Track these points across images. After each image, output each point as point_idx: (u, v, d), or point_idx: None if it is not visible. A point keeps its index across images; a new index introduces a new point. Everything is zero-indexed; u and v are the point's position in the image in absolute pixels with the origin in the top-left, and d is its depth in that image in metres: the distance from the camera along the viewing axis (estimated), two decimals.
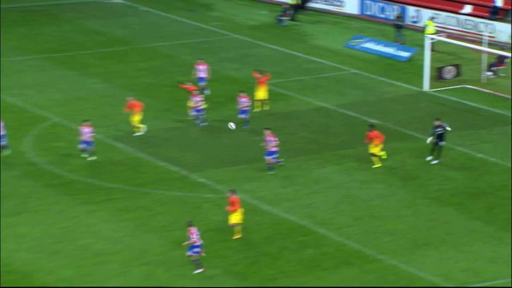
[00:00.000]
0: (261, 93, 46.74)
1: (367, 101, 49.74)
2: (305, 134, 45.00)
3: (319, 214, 36.16)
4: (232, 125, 43.14)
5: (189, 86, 45.49)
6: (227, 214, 34.61)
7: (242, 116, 44.39)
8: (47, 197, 37.09)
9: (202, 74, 48.59)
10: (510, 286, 29.94)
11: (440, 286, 30.29)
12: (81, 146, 40.07)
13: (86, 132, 39.83)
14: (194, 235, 30.52)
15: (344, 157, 41.24)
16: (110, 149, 42.25)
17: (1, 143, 39.99)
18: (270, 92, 48.19)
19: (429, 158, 40.59)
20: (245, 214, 33.84)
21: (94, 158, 40.43)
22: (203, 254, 30.72)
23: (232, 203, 33.22)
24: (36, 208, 36.10)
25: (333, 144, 43.49)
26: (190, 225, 30.82)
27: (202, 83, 48.25)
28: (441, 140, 40.21)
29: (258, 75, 47.19)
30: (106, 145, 42.56)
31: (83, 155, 40.17)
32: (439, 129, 40.16)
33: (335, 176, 39.95)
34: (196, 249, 30.50)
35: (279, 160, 39.36)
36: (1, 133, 39.86)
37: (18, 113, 44.13)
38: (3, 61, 54.72)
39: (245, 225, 34.19)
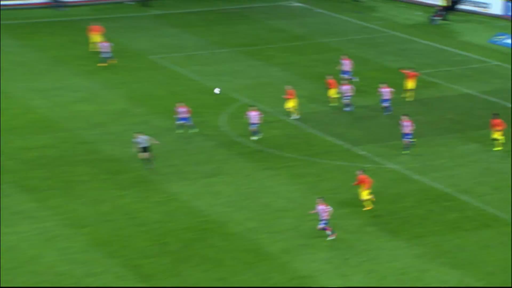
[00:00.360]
0: (410, 84, 45.58)
1: (507, 89, 47.42)
2: (452, 116, 43.64)
3: (462, 184, 35.14)
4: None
5: (331, 79, 44.64)
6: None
7: (384, 104, 43.16)
8: (238, 163, 37.77)
9: (346, 68, 47.78)
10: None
11: None
12: (252, 128, 39.83)
13: (253, 115, 39.70)
14: (323, 211, 30.02)
15: (485, 136, 39.57)
16: (288, 126, 42.51)
17: (189, 124, 40.52)
18: (423, 81, 47.30)
19: None
20: (397, 181, 33.25)
21: (258, 137, 40.13)
22: (329, 232, 30.02)
23: (361, 180, 32.43)
24: (228, 171, 36.88)
25: (476, 124, 42.01)
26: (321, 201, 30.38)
27: (347, 76, 47.22)
28: None
29: (408, 71, 45.98)
30: (285, 123, 42.86)
31: (252, 137, 40.07)
32: None
33: (477, 152, 38.75)
34: (323, 224, 30.00)
35: (412, 140, 38.32)
36: (186, 116, 40.18)
37: (215, 95, 45.05)
38: (206, 53, 56.15)
39: (397, 191, 33.92)
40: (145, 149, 36.22)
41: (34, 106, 45.27)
